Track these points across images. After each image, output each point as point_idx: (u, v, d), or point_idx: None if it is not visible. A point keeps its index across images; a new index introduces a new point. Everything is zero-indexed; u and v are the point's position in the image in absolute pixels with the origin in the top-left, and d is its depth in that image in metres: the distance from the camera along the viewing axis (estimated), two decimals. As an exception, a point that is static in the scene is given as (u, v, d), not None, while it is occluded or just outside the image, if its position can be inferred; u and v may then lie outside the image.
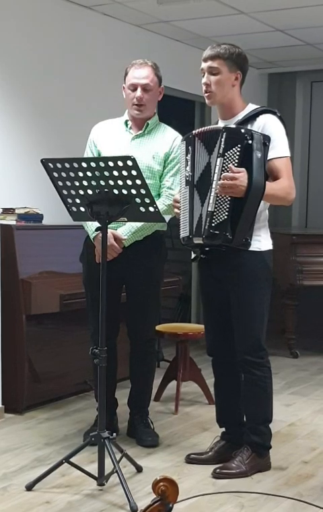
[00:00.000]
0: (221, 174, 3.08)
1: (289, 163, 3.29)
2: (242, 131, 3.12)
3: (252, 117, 3.28)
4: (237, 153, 3.09)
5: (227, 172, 3.07)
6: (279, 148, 3.24)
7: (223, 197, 3.10)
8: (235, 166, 3.07)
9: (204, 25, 5.61)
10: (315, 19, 5.42)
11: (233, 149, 3.09)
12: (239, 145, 3.09)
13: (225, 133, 3.11)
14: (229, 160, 3.09)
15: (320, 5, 5.05)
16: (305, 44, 6.22)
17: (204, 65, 3.29)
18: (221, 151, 3.10)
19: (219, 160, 3.10)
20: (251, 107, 3.36)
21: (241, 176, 3.06)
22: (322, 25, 5.55)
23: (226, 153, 3.10)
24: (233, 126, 3.18)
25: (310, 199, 7.33)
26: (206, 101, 3.33)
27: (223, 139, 3.10)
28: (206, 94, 3.31)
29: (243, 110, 3.34)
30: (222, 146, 3.10)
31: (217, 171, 3.11)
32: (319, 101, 7.28)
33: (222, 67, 3.25)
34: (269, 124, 3.25)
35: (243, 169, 3.07)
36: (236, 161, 3.09)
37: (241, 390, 3.45)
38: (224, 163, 3.09)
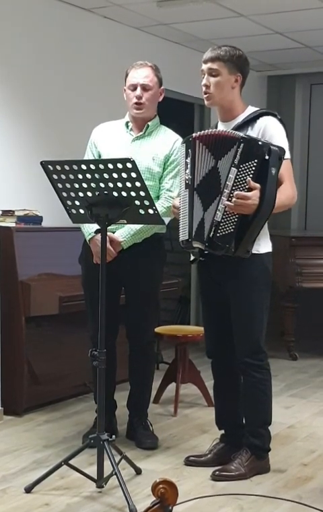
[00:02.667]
0: (234, 185, 3.06)
1: (290, 166, 3.29)
2: (260, 143, 3.08)
3: (252, 119, 3.28)
4: (253, 168, 3.06)
5: (241, 184, 3.06)
6: (281, 151, 3.24)
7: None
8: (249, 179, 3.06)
9: (204, 27, 5.61)
10: (315, 22, 5.42)
11: (250, 162, 3.06)
12: (255, 160, 3.05)
13: (242, 144, 3.06)
14: (244, 173, 3.06)
15: (319, 7, 5.06)
16: (304, 47, 6.22)
17: (204, 67, 3.29)
18: (236, 162, 3.07)
19: (233, 169, 3.07)
20: (251, 109, 3.36)
21: (254, 195, 3.04)
22: (321, 27, 5.56)
23: (241, 165, 3.06)
24: (251, 137, 3.13)
25: (309, 201, 7.33)
26: (205, 102, 3.33)
27: (239, 150, 3.06)
28: (205, 96, 3.31)
29: (243, 112, 3.33)
30: (238, 157, 3.06)
31: (228, 182, 3.08)
32: (319, 103, 7.29)
33: (222, 68, 3.25)
34: (270, 127, 3.25)
35: (258, 186, 3.05)
36: (251, 175, 3.06)
37: (241, 392, 3.45)
38: (238, 175, 3.07)
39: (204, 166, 3.20)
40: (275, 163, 3.09)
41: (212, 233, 3.12)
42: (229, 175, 3.08)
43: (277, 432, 3.97)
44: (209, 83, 3.28)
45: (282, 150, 3.13)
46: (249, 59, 3.37)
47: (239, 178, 3.07)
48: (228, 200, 3.07)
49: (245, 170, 3.07)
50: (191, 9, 5.13)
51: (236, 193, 3.04)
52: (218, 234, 3.11)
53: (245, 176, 3.06)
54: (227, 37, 5.59)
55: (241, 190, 3.06)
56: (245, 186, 3.06)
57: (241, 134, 3.15)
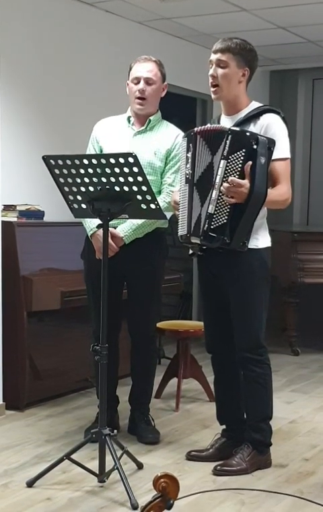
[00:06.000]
0: (224, 176, 3.07)
1: (288, 166, 3.29)
2: (248, 134, 3.10)
3: (255, 115, 3.27)
4: (242, 158, 3.07)
5: (231, 175, 3.06)
6: (281, 150, 3.23)
7: (224, 200, 3.10)
8: (239, 170, 3.07)
9: (206, 22, 5.60)
10: (317, 17, 5.41)
11: (238, 152, 3.08)
12: (244, 150, 3.07)
13: (230, 136, 3.09)
14: (233, 164, 3.08)
15: (322, 2, 5.05)
16: (307, 42, 6.21)
17: (213, 57, 3.28)
18: (225, 154, 3.09)
19: (222, 162, 3.09)
20: (254, 104, 3.35)
21: (246, 183, 3.06)
22: (324, 22, 5.55)
23: (230, 156, 3.08)
24: (239, 129, 3.16)
25: (311, 196, 7.33)
26: (212, 96, 3.32)
27: (228, 142, 3.09)
28: (212, 88, 3.30)
29: (247, 107, 3.33)
30: (226, 148, 3.09)
31: (219, 173, 3.10)
32: (321, 98, 7.28)
33: (231, 61, 3.24)
34: (272, 125, 3.24)
35: (248, 172, 3.06)
36: (240, 165, 3.08)
37: (241, 387, 3.45)
38: (227, 166, 3.08)
39: (202, 160, 3.20)
40: (264, 153, 3.10)
41: (206, 226, 3.12)
42: (219, 167, 3.10)
43: (279, 427, 3.97)
44: (216, 74, 3.27)
45: (271, 141, 3.14)
46: (251, 54, 3.37)
47: (229, 168, 3.08)
48: (219, 190, 3.08)
49: (234, 160, 3.09)
50: (194, 4, 5.12)
51: (231, 179, 3.05)
52: (212, 226, 3.11)
53: (235, 166, 3.07)
54: (229, 31, 5.56)
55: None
56: (235, 176, 3.06)
57: (230, 126, 3.17)
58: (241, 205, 3.08)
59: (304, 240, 5.90)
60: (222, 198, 3.10)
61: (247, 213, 3.10)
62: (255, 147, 3.08)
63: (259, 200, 3.10)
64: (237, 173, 3.08)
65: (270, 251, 3.39)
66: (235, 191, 3.05)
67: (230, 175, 3.08)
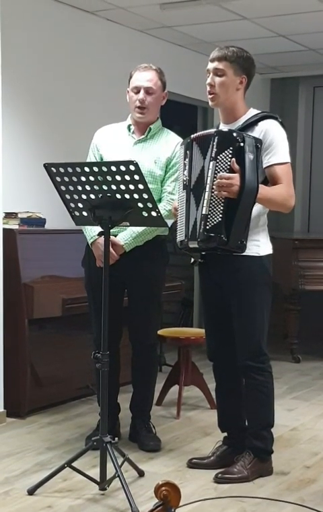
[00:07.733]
0: (214, 177, 3.08)
1: (289, 169, 3.29)
2: (234, 134, 3.12)
3: (253, 122, 3.29)
4: (229, 156, 3.08)
5: (222, 171, 3.07)
6: (280, 154, 3.24)
7: (216, 200, 3.09)
8: (228, 168, 3.07)
9: (207, 30, 5.62)
10: (318, 25, 5.43)
11: (225, 152, 3.09)
12: (231, 148, 3.08)
13: (217, 137, 3.11)
14: (221, 163, 3.09)
15: (322, 10, 5.07)
16: (307, 50, 6.23)
17: (210, 66, 3.30)
18: (213, 155, 3.10)
19: (211, 163, 3.10)
20: (252, 112, 3.36)
21: (235, 175, 3.06)
22: (325, 30, 5.58)
23: (218, 157, 3.09)
24: (226, 129, 3.18)
25: (312, 203, 7.34)
26: (210, 102, 3.34)
27: (215, 143, 3.10)
28: (209, 96, 3.32)
29: (245, 114, 3.34)
30: (214, 150, 3.10)
31: (209, 174, 3.10)
32: (322, 106, 7.30)
33: (228, 69, 3.26)
34: (271, 130, 3.25)
35: (237, 167, 3.07)
36: (229, 163, 3.08)
37: (243, 395, 3.45)
38: (216, 166, 3.09)
39: (197, 165, 3.21)
40: (252, 150, 3.10)
41: (202, 227, 3.12)
42: (209, 168, 3.10)
43: (280, 434, 3.96)
44: (214, 82, 3.28)
45: (257, 140, 3.15)
46: (252, 62, 3.38)
47: (218, 168, 3.08)
48: (211, 192, 3.08)
49: (223, 159, 3.09)
50: (194, 12, 5.14)
51: (220, 174, 3.05)
52: (208, 227, 3.10)
53: (224, 165, 3.08)
54: (230, 39, 5.57)
55: None
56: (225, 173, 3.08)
57: (217, 128, 3.19)
58: (233, 201, 3.08)
59: (305, 247, 5.91)
60: (214, 197, 3.10)
61: (240, 208, 3.09)
62: (242, 144, 3.08)
63: (251, 194, 3.09)
64: (227, 171, 3.08)
65: (272, 258, 3.39)
66: (224, 184, 3.05)
67: (220, 172, 3.08)
